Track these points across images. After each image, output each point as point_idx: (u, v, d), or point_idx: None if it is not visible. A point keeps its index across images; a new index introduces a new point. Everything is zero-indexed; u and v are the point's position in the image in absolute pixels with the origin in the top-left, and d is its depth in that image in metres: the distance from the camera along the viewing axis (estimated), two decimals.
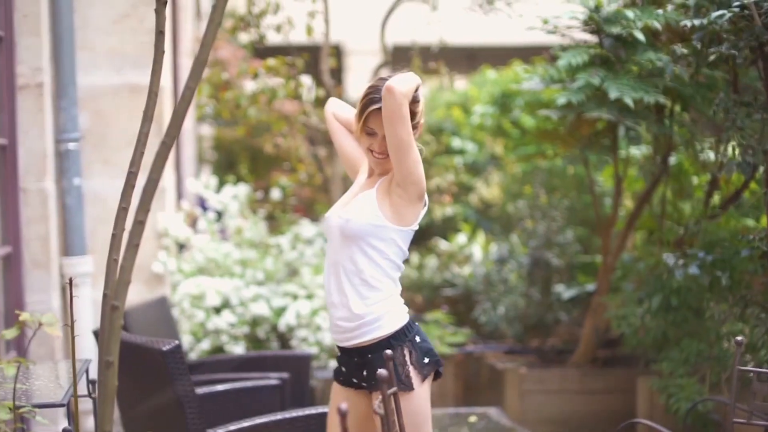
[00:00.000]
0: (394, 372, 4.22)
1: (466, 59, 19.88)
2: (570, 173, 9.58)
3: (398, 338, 4.28)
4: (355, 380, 4.38)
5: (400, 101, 4.08)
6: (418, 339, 4.31)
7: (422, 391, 4.26)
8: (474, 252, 10.72)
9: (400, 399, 4.12)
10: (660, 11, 6.64)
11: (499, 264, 9.24)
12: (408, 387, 4.22)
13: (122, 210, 3.47)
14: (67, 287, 7.12)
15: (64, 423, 4.16)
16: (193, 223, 8.94)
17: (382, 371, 3.43)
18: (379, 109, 4.21)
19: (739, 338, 4.30)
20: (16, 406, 3.58)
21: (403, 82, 4.14)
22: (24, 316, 3.19)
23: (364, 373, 4.32)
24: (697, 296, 6.79)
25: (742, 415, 4.39)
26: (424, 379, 4.27)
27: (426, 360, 4.28)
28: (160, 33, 3.53)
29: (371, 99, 4.28)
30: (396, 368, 4.23)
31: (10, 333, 3.26)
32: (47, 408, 4.12)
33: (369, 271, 4.27)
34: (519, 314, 8.79)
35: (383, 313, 4.27)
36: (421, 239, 12.55)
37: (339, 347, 4.42)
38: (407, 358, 4.25)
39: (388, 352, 3.87)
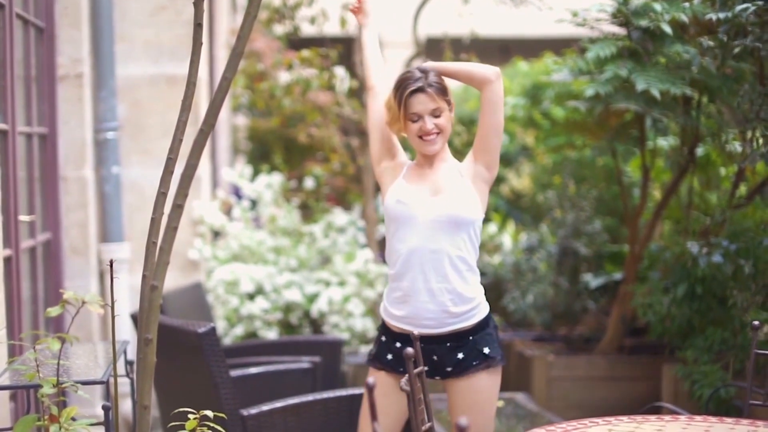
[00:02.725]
0: (496, 349, 4.42)
1: (500, 51, 19.92)
2: (599, 164, 9.67)
3: (491, 317, 4.50)
4: (427, 369, 4.38)
5: (501, 82, 4.34)
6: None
7: None
8: (504, 241, 10.82)
9: (495, 376, 4.42)
10: (687, 4, 6.71)
11: (529, 253, 9.33)
12: (505, 360, 4.47)
13: (161, 195, 3.62)
14: (105, 273, 7.29)
15: (100, 405, 4.33)
16: (227, 211, 9.09)
17: (409, 350, 3.56)
18: (418, 89, 4.34)
19: (755, 323, 4.41)
20: (59, 381, 3.75)
21: (482, 65, 4.42)
22: (67, 294, 3.35)
23: (460, 356, 4.40)
24: (721, 285, 6.87)
25: (758, 398, 4.49)
26: None
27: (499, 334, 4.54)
28: (198, 25, 3.67)
29: (406, 85, 4.37)
30: (497, 346, 4.43)
31: (55, 311, 3.42)
32: (87, 385, 4.29)
33: (470, 256, 4.39)
34: (547, 302, 8.88)
35: (483, 295, 4.47)
36: None
37: (421, 335, 4.32)
38: (498, 334, 4.49)
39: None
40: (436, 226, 4.35)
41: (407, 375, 3.64)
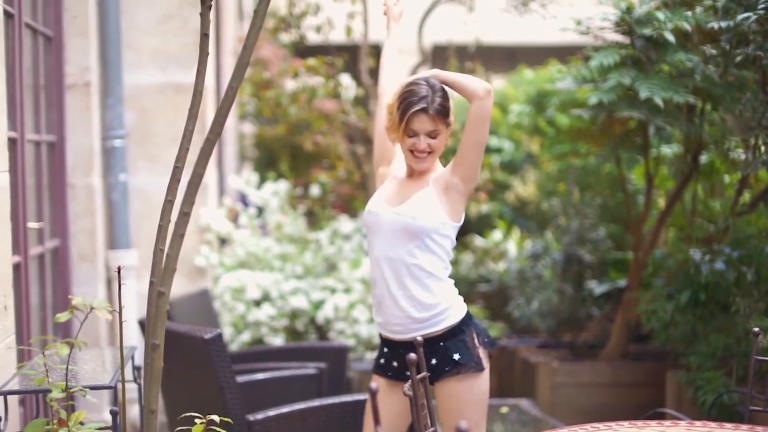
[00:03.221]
0: (468, 355, 4.45)
1: (506, 58, 19.97)
2: (604, 171, 9.72)
3: (466, 323, 4.50)
4: (408, 373, 4.53)
5: (491, 98, 4.39)
6: (476, 322, 4.57)
7: (488, 370, 4.52)
8: (509, 248, 10.87)
9: (472, 381, 4.42)
10: (689, 13, 6.75)
11: (533, 260, 9.38)
12: (481, 367, 4.46)
13: (168, 203, 3.67)
14: (112, 279, 7.34)
15: (108, 411, 4.37)
16: (234, 218, 9.14)
17: (412, 356, 3.63)
18: (421, 110, 4.40)
19: (756, 329, 4.45)
20: (68, 386, 3.80)
21: (477, 79, 4.46)
22: (76, 300, 3.40)
23: (433, 361, 4.46)
24: (724, 292, 6.91)
25: (759, 404, 4.53)
26: (489, 358, 4.53)
27: (487, 340, 4.53)
28: (204, 35, 3.72)
29: (410, 102, 4.42)
30: (469, 352, 4.45)
31: (63, 316, 3.48)
32: (95, 390, 4.34)
33: (431, 264, 4.46)
34: (552, 309, 8.92)
35: (451, 301, 4.50)
36: (457, 235, 12.72)
37: (393, 342, 4.55)
38: (476, 340, 4.49)
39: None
40: (395, 235, 4.47)
41: (410, 381, 3.69)
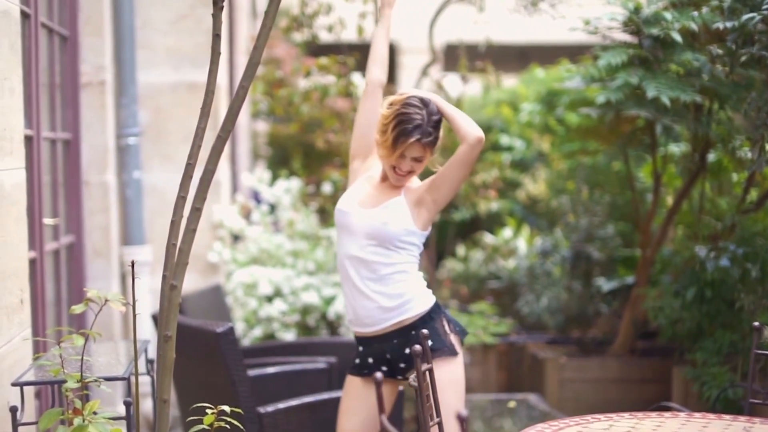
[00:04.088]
0: (440, 341, 4.57)
1: (519, 57, 20.03)
2: (614, 169, 9.78)
3: (435, 311, 4.64)
4: (384, 368, 4.67)
5: (480, 149, 4.53)
6: (445, 311, 4.71)
7: (461, 356, 4.64)
8: (519, 246, 10.95)
9: (447, 365, 4.53)
10: (696, 13, 6.83)
11: (543, 257, 9.46)
12: (454, 352, 4.58)
13: (181, 198, 3.76)
14: (127, 275, 7.44)
15: (122, 404, 4.46)
16: (247, 215, 9.22)
17: (417, 347, 3.74)
18: (416, 140, 4.50)
19: (755, 324, 4.53)
20: (82, 376, 3.90)
21: (475, 124, 4.54)
22: (91, 293, 3.50)
23: (407, 351, 4.57)
24: (730, 288, 6.99)
25: (760, 397, 4.60)
26: (461, 345, 4.65)
27: (458, 328, 4.68)
28: (216, 36, 3.81)
29: (404, 129, 4.49)
30: (441, 338, 4.57)
31: (79, 308, 3.58)
32: (109, 381, 4.44)
33: (398, 260, 4.60)
34: (561, 306, 9.00)
35: (418, 291, 4.64)
36: (468, 233, 12.83)
37: (367, 338, 4.68)
38: (446, 327, 4.61)
39: (425, 331, 4.18)
40: (364, 236, 4.59)
41: (415, 372, 3.79)
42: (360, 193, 4.73)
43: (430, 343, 4.52)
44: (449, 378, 4.54)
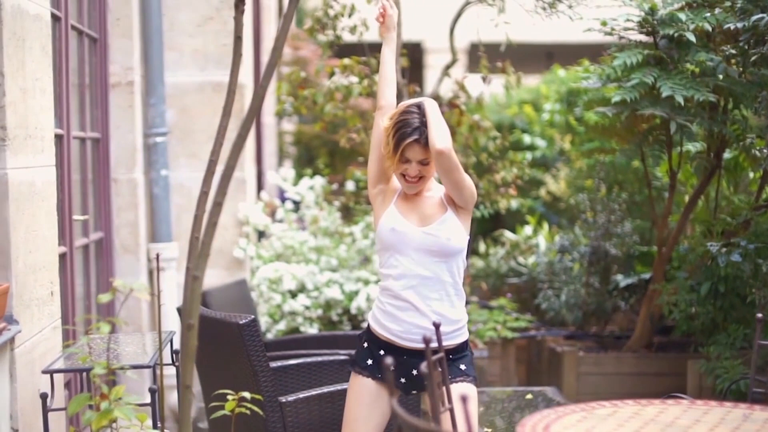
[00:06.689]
0: (473, 370, 4.67)
1: (545, 57, 20.14)
2: (633, 167, 9.87)
3: (468, 343, 4.74)
4: (403, 380, 4.66)
5: (450, 156, 4.44)
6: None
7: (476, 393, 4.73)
8: (539, 243, 11.07)
9: (470, 389, 4.59)
10: (709, 14, 6.94)
11: (562, 254, 9.57)
12: (477, 383, 4.70)
13: (203, 194, 3.92)
14: (154, 270, 7.61)
15: (147, 396, 4.63)
16: (272, 212, 9.36)
17: (426, 335, 3.85)
18: (414, 141, 4.52)
19: (759, 315, 4.67)
20: (109, 363, 4.08)
21: (446, 135, 4.48)
22: (117, 282, 3.68)
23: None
24: (743, 284, 7.11)
25: (764, 387, 4.73)
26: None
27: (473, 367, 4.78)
28: (238, 38, 3.97)
29: (403, 133, 4.53)
30: (472, 366, 4.67)
31: (105, 297, 3.75)
32: (135, 369, 4.62)
33: (458, 282, 4.64)
34: (579, 301, 9.09)
35: (466, 317, 4.72)
36: (489, 230, 12.98)
37: (398, 348, 4.60)
38: (473, 362, 4.73)
39: (440, 355, 4.15)
40: (427, 254, 4.58)
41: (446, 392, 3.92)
42: (404, 211, 4.68)
43: (463, 367, 4.63)
44: (472, 395, 4.55)
